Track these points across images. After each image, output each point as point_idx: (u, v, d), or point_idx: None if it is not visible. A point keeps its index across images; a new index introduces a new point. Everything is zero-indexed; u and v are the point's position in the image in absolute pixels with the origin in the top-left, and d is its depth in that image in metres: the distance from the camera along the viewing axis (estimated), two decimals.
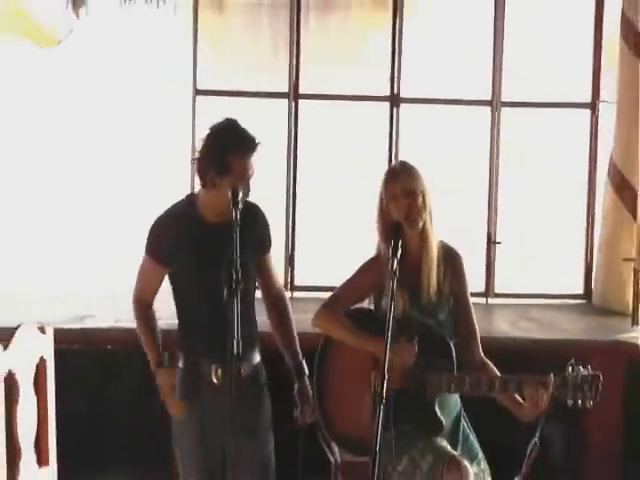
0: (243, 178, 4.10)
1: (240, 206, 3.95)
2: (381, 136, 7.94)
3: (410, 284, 4.26)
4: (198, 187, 4.32)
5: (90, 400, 6.30)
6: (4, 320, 5.61)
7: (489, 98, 8.03)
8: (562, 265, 8.21)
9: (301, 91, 7.89)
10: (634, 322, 7.20)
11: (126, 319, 5.87)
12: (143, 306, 4.40)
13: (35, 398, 4.48)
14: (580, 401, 4.07)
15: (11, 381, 4.33)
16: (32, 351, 4.48)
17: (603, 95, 8.12)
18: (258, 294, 4.49)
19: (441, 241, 4.42)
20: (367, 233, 4.53)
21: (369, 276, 4.40)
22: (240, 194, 3.99)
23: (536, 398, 4.06)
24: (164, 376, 4.27)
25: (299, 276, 7.82)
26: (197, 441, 4.27)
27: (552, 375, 4.06)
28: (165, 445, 4.40)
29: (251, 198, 4.23)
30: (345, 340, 4.33)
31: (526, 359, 4.16)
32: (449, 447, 4.22)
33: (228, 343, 3.72)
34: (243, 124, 4.22)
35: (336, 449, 4.45)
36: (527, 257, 8.04)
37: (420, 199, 4.28)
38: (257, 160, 4.16)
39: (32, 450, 4.45)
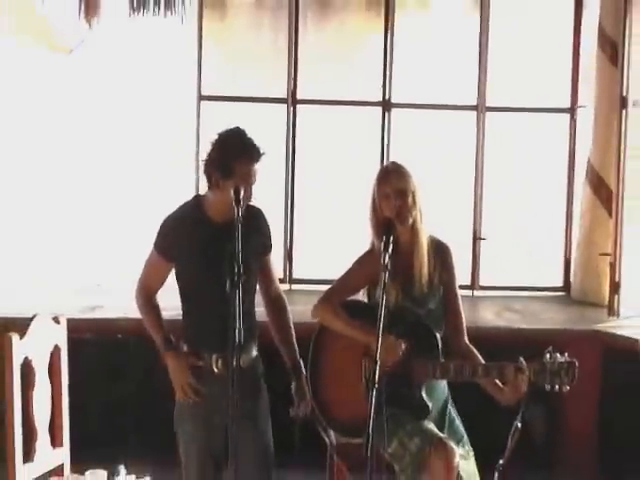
0: (246, 183, 4.09)
1: (242, 204, 3.95)
2: (374, 138, 7.94)
3: (403, 276, 4.26)
4: (203, 187, 4.32)
5: (101, 386, 6.30)
6: (20, 311, 5.61)
7: (475, 103, 8.03)
8: (543, 260, 8.22)
9: (299, 97, 7.88)
10: (610, 313, 7.21)
11: (134, 310, 5.89)
12: (146, 296, 4.39)
13: (49, 384, 4.48)
14: (557, 386, 4.07)
15: (27, 368, 4.34)
16: (47, 340, 4.48)
17: (581, 101, 8.12)
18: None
19: (431, 235, 4.42)
20: (361, 229, 4.52)
21: (363, 269, 4.40)
22: (242, 192, 3.99)
23: (515, 383, 4.07)
24: (172, 358, 4.26)
25: (297, 270, 7.82)
26: (199, 425, 4.26)
27: (522, 359, 4.07)
28: (172, 429, 4.40)
29: (252, 197, 4.22)
30: (341, 331, 4.33)
31: (509, 347, 4.15)
32: (436, 430, 4.22)
33: (230, 333, 3.73)
34: (247, 129, 4.20)
35: (331, 432, 4.44)
36: (510, 252, 8.05)
37: (410, 198, 4.27)
38: (260, 170, 4.15)
39: (47, 432, 4.45)
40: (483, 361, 4.27)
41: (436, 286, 4.35)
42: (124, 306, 6.73)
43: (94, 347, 6.25)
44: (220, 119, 4.21)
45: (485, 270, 8.03)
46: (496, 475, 4.09)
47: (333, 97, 7.93)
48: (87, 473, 4.29)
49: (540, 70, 8.13)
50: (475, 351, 4.37)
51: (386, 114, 7.95)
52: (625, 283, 7.23)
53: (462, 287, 4.58)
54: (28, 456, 4.33)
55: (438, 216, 4.54)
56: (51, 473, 4.51)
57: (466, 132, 8.04)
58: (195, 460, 4.28)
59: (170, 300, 4.44)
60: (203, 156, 4.24)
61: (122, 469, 4.40)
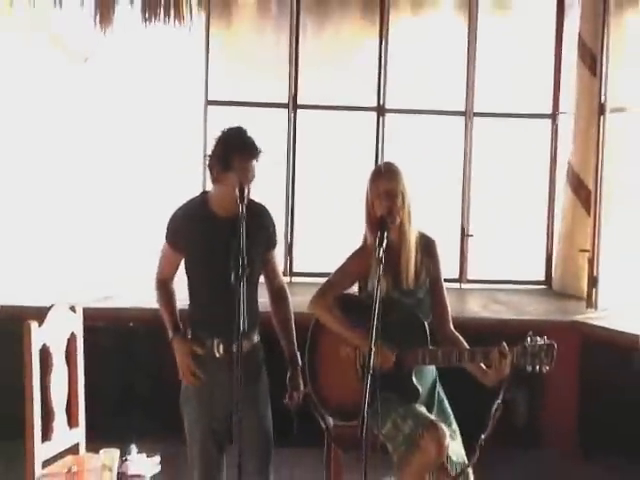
0: (244, 177, 4.07)
1: (246, 202, 3.95)
2: (369, 141, 7.95)
3: (392, 270, 4.26)
4: (210, 186, 4.32)
5: (114, 370, 6.31)
6: (39, 300, 5.61)
7: (463, 109, 8.05)
8: (526, 255, 8.23)
9: (299, 102, 7.89)
10: (588, 305, 7.22)
11: (145, 300, 5.90)
12: (161, 282, 4.39)
13: (66, 369, 4.50)
14: (538, 367, 4.07)
15: (45, 353, 4.35)
16: (64, 328, 4.49)
17: (562, 107, 8.13)
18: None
19: (419, 231, 4.42)
20: (356, 225, 4.52)
21: (357, 263, 4.39)
22: (246, 191, 4.00)
23: (498, 365, 4.07)
24: (177, 344, 4.26)
25: (297, 263, 7.83)
26: (202, 406, 4.26)
27: (505, 344, 4.07)
28: (178, 414, 4.41)
29: (255, 195, 4.22)
30: (338, 331, 4.33)
31: (495, 336, 4.14)
32: (427, 413, 4.23)
33: (232, 321, 3.74)
34: (250, 131, 4.22)
35: (327, 416, 4.44)
36: (495, 248, 8.05)
37: (399, 199, 4.27)
38: (258, 166, 4.14)
39: (64, 414, 4.47)
40: (468, 346, 4.28)
41: (423, 278, 4.35)
42: (135, 297, 6.78)
43: (108, 334, 6.25)
44: (226, 123, 4.20)
45: (472, 265, 8.04)
46: (477, 450, 4.10)
47: (331, 103, 7.92)
48: (101, 451, 4.32)
49: (524, 79, 8.13)
50: (460, 337, 4.37)
51: (380, 118, 7.97)
52: (602, 277, 7.24)
53: (450, 280, 4.61)
54: (46, 435, 4.34)
55: (428, 214, 4.55)
56: (68, 451, 4.52)
57: (455, 136, 8.06)
58: (198, 439, 4.27)
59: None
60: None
61: (133, 448, 4.43)
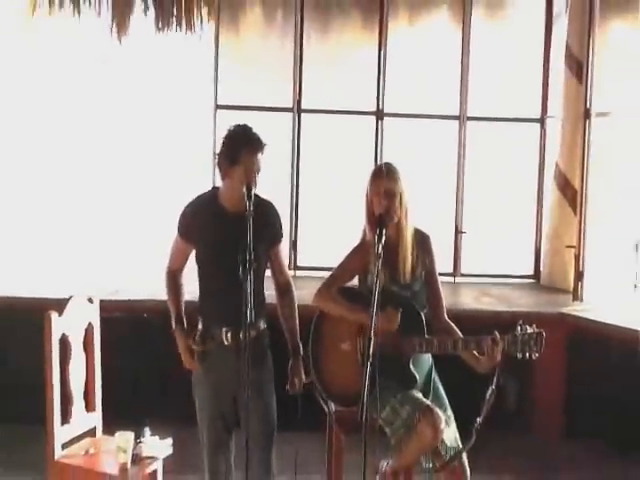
0: (248, 171, 4.10)
1: (253, 199, 3.96)
2: (368, 143, 7.95)
3: (390, 265, 4.25)
4: (219, 183, 4.34)
5: (129, 358, 6.32)
6: (59, 292, 5.62)
7: (457, 113, 8.05)
8: (516, 251, 8.23)
9: (303, 106, 7.88)
10: (575, 298, 7.23)
11: (158, 293, 5.89)
12: (171, 274, 4.40)
13: (84, 356, 4.51)
14: (527, 354, 4.07)
15: (65, 342, 4.37)
16: (82, 318, 4.51)
17: (550, 112, 8.13)
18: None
19: (415, 227, 4.41)
20: (356, 222, 4.52)
21: (356, 259, 4.38)
22: (253, 189, 4.01)
23: (491, 353, 4.07)
24: (180, 339, 4.27)
25: (301, 258, 7.84)
26: (211, 391, 4.28)
27: (497, 332, 4.07)
28: (190, 397, 4.41)
29: (262, 193, 4.23)
30: (341, 314, 4.33)
31: (486, 327, 4.15)
32: (424, 398, 4.23)
33: (241, 311, 3.74)
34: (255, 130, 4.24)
35: (330, 401, 4.45)
36: (487, 244, 8.05)
37: (397, 199, 4.27)
38: (264, 159, 4.15)
39: (82, 399, 4.48)
40: (462, 335, 4.28)
41: (419, 272, 4.35)
42: (148, 289, 6.79)
43: (123, 325, 6.26)
44: None
45: (465, 260, 8.05)
46: (474, 434, 4.10)
47: (333, 107, 7.92)
48: (116, 434, 4.33)
49: (514, 85, 8.13)
50: (454, 326, 4.37)
51: (379, 122, 7.96)
52: (588, 272, 7.25)
53: (445, 275, 4.61)
54: (65, 419, 4.36)
55: (424, 212, 4.53)
56: (85, 434, 4.54)
57: (449, 139, 8.06)
58: (208, 421, 4.29)
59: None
60: None
61: (147, 431, 4.44)
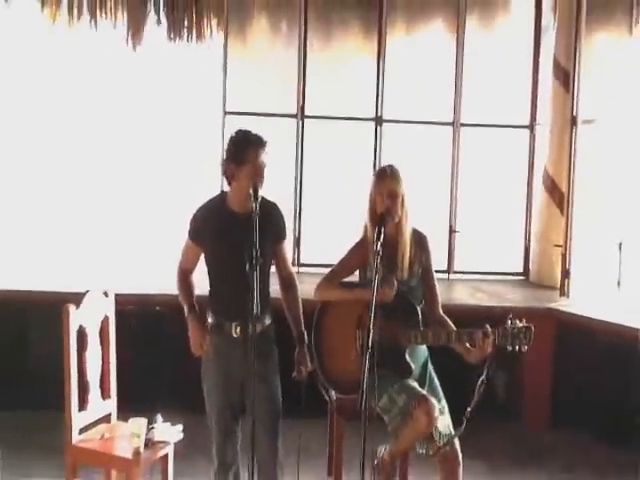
0: (256, 167, 4.12)
1: (259, 200, 3.98)
2: (368, 147, 7.96)
3: (389, 261, 4.26)
4: (227, 187, 4.35)
5: (142, 349, 6.32)
6: (76, 287, 5.63)
7: (451, 120, 8.05)
8: (506, 249, 8.23)
9: (306, 113, 7.88)
10: (561, 294, 7.24)
11: (169, 287, 5.88)
12: (182, 275, 4.40)
13: (100, 347, 4.51)
14: (517, 347, 4.07)
15: (82, 334, 4.37)
16: (98, 311, 4.51)
17: (539, 119, 8.13)
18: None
19: (413, 227, 4.42)
20: (356, 221, 4.53)
21: (357, 254, 4.38)
22: (259, 191, 4.03)
23: (482, 345, 4.08)
24: (192, 320, 4.25)
25: (304, 255, 7.83)
26: (220, 381, 4.28)
27: (488, 326, 4.08)
28: (199, 385, 4.42)
29: (268, 194, 4.24)
30: (343, 298, 4.32)
31: (478, 321, 4.15)
32: (419, 388, 4.24)
33: (249, 305, 3.76)
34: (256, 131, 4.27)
35: (331, 390, 4.45)
36: (479, 243, 8.05)
37: (399, 200, 4.28)
38: (267, 156, 4.17)
39: (98, 387, 4.49)
40: (455, 328, 4.29)
41: (416, 269, 4.35)
42: (160, 283, 6.79)
43: (136, 317, 6.27)
44: None
45: (458, 258, 8.05)
46: (465, 421, 4.11)
47: (334, 113, 7.92)
48: (130, 420, 4.34)
49: (505, 93, 8.13)
50: (448, 320, 4.38)
51: (378, 128, 7.97)
52: (574, 270, 7.26)
53: (439, 272, 4.61)
54: (82, 406, 4.36)
55: (420, 212, 4.53)
56: (101, 420, 4.54)
57: (444, 144, 8.06)
58: (216, 409, 4.30)
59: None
60: None
61: (159, 417, 4.45)
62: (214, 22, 7.96)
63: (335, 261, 4.48)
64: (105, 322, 4.56)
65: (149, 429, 4.34)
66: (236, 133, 4.24)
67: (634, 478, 5.70)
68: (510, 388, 6.57)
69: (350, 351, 4.28)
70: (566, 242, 7.25)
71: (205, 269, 4.38)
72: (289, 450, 4.38)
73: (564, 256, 7.26)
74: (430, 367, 4.43)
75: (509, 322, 4.09)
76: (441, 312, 4.42)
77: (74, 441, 4.31)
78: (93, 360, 4.44)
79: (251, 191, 4.01)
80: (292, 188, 7.81)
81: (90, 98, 8.98)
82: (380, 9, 7.90)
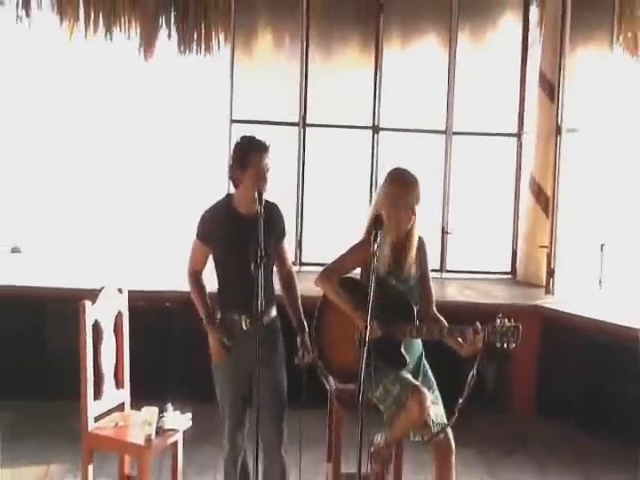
0: (259, 171, 4.12)
1: (263, 204, 3.99)
2: (366, 154, 7.97)
3: (394, 262, 4.25)
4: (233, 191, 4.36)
5: (154, 342, 6.33)
6: (92, 283, 5.63)
7: (444, 128, 8.05)
8: (495, 250, 8.23)
9: (308, 121, 7.88)
10: (546, 292, 7.24)
11: (179, 284, 5.87)
12: (194, 275, 4.37)
13: (114, 340, 4.52)
14: (505, 344, 4.06)
15: (97, 328, 4.37)
16: (112, 306, 4.52)
17: (526, 128, 8.14)
18: None
19: None
20: (355, 222, 4.53)
21: (357, 255, 4.33)
22: (263, 194, 4.03)
23: (473, 340, 4.07)
24: (212, 333, 4.25)
25: (305, 254, 7.84)
26: (231, 372, 4.29)
27: (478, 323, 4.08)
28: (207, 376, 4.42)
29: (271, 197, 4.24)
30: (338, 303, 4.32)
31: (469, 317, 4.15)
32: (413, 379, 4.24)
33: (254, 301, 3.77)
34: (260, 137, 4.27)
35: (331, 379, 4.45)
36: (470, 244, 8.05)
37: (414, 209, 4.28)
38: (271, 160, 4.17)
39: (112, 377, 4.49)
40: (447, 325, 4.28)
41: (415, 270, 4.35)
42: (170, 281, 6.81)
43: (148, 312, 6.27)
44: None
45: (451, 258, 8.05)
46: (457, 412, 4.11)
47: (334, 122, 7.92)
48: (143, 409, 4.34)
49: (494, 103, 8.14)
50: (442, 318, 4.37)
51: (375, 135, 7.97)
52: (558, 269, 7.26)
53: (433, 271, 4.57)
54: (97, 395, 4.36)
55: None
56: (115, 409, 4.55)
57: (437, 150, 8.06)
58: (228, 399, 4.31)
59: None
60: None
61: (169, 406, 4.45)
62: (221, 36, 7.98)
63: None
64: (119, 317, 4.56)
65: (160, 417, 4.34)
66: (241, 139, 4.25)
67: (614, 462, 5.75)
68: (498, 380, 6.58)
69: (349, 343, 4.27)
70: (551, 243, 7.25)
71: (211, 267, 4.39)
72: (291, 438, 4.37)
73: (549, 256, 7.26)
74: (424, 360, 4.42)
75: (498, 321, 4.08)
76: (435, 311, 4.41)
77: (90, 428, 4.31)
78: (108, 352, 4.44)
79: (256, 195, 4.01)
80: (294, 191, 7.81)
81: (105, 106, 8.99)
82: (377, 24, 7.91)
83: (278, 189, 4.38)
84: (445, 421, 4.21)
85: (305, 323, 4.40)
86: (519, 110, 8.17)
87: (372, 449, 4.32)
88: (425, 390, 4.14)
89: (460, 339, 4.13)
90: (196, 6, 7.84)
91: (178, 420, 4.42)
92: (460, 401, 4.07)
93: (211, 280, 4.38)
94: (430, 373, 4.40)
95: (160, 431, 4.31)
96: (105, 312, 4.43)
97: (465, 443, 4.52)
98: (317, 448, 4.68)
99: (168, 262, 7.70)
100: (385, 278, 4.20)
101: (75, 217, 8.95)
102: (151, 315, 6.34)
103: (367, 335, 3.57)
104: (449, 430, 4.19)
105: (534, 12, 8.19)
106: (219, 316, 4.30)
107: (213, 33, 7.96)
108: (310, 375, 4.37)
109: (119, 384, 4.54)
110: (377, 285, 3.71)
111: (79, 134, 9.04)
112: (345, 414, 4.36)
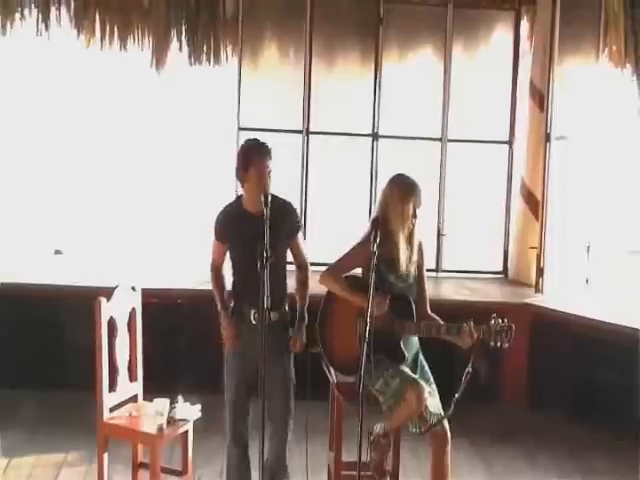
0: (260, 170, 4.16)
1: (269, 204, 3.98)
2: (366, 160, 7.96)
3: (394, 261, 4.25)
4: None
5: (165, 337, 6.33)
6: (107, 282, 5.63)
7: (439, 136, 8.05)
8: (487, 251, 8.22)
9: (311, 129, 7.87)
10: (536, 290, 7.23)
11: (190, 282, 5.89)
12: (214, 270, 4.46)
13: (128, 335, 4.51)
14: (499, 343, 4.06)
15: (112, 323, 4.36)
16: (126, 303, 4.50)
17: (517, 135, 8.13)
18: None
19: None
20: (356, 225, 4.53)
21: (358, 255, 4.31)
22: (269, 198, 4.02)
23: (470, 333, 4.06)
24: (227, 325, 4.29)
25: (308, 256, 7.79)
26: (236, 361, 4.33)
27: (472, 322, 4.07)
28: (215, 369, 4.42)
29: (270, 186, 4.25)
30: (341, 294, 4.31)
31: (463, 314, 4.15)
32: (411, 372, 4.23)
33: (260, 294, 3.77)
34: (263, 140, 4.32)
35: (333, 372, 4.44)
36: (464, 245, 8.04)
37: (417, 212, 4.28)
38: (273, 162, 4.22)
39: (126, 370, 4.48)
40: (441, 322, 4.27)
41: (413, 269, 4.34)
42: (181, 279, 6.81)
43: (160, 309, 6.27)
44: None
45: (446, 258, 8.04)
46: (453, 405, 4.11)
47: (336, 129, 7.92)
48: (155, 400, 4.35)
49: (487, 112, 8.13)
50: (436, 316, 4.34)
51: (375, 142, 7.96)
52: (547, 269, 7.25)
53: (428, 270, 4.56)
54: (112, 388, 4.35)
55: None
56: (129, 400, 4.54)
57: (433, 157, 8.05)
58: (232, 385, 4.35)
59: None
60: None
61: (180, 398, 4.44)
62: (229, 48, 7.97)
63: (336, 259, 4.45)
64: (133, 313, 4.55)
65: (171, 408, 4.34)
66: (244, 142, 4.34)
67: (600, 450, 5.76)
68: (491, 374, 6.55)
69: (351, 336, 4.27)
70: (540, 244, 7.24)
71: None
72: (296, 429, 4.39)
73: (538, 257, 7.25)
74: (421, 356, 4.41)
75: (492, 320, 4.07)
76: (429, 310, 4.40)
77: (105, 418, 4.30)
78: (122, 347, 4.43)
79: (262, 198, 4.00)
80: (298, 195, 7.78)
81: (119, 113, 8.99)
82: (377, 38, 7.90)
83: (283, 192, 4.39)
84: (441, 413, 4.20)
85: (306, 315, 4.40)
86: (510, 118, 8.16)
87: (372, 438, 4.31)
88: (423, 383, 4.13)
89: (457, 335, 4.13)
90: (206, 20, 7.84)
91: (188, 411, 4.41)
92: (456, 395, 4.06)
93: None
94: (427, 368, 4.39)
95: (171, 421, 4.31)
96: (119, 309, 4.42)
97: (460, 433, 4.52)
98: (320, 437, 4.67)
99: (179, 262, 7.72)
100: (385, 277, 4.19)
101: (93, 220, 8.94)
102: (163, 312, 6.32)
103: (370, 312, 3.60)
104: (445, 422, 4.18)
105: (524, 26, 8.20)
106: (232, 306, 4.33)
107: (222, 46, 7.95)
108: (313, 369, 4.38)
109: (132, 377, 4.53)
110: (378, 283, 3.70)
111: (95, 139, 9.05)
112: (346, 405, 4.35)
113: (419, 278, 4.38)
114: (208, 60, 7.96)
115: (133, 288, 4.58)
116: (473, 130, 8.10)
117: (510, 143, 8.17)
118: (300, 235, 4.47)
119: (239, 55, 7.79)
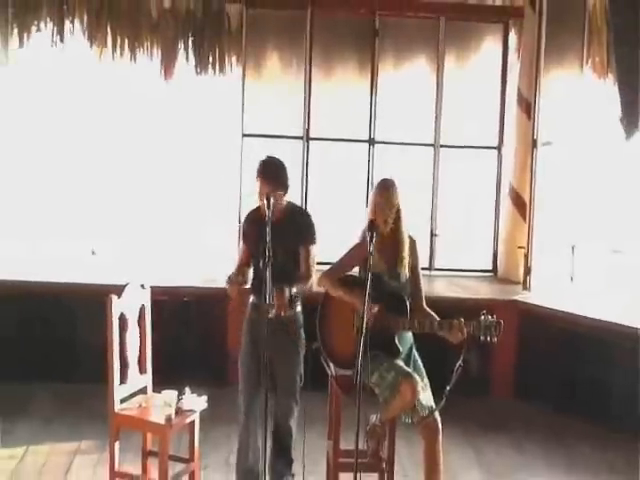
0: (259, 191, 4.31)
1: (272, 208, 4.03)
2: (362, 164, 7.96)
3: (388, 260, 4.26)
4: (244, 199, 4.45)
5: (173, 333, 6.33)
6: (118, 280, 5.63)
7: (432, 142, 8.05)
8: (478, 250, 8.22)
9: (311, 135, 7.86)
10: (524, 288, 7.24)
11: (195, 281, 5.87)
12: (240, 266, 4.54)
13: (138, 330, 4.50)
14: (488, 338, 4.06)
15: (123, 319, 4.36)
16: (136, 300, 4.50)
17: (505, 141, 8.13)
18: None
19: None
20: (353, 227, 4.53)
21: (359, 252, 4.31)
22: (272, 200, 4.06)
23: (460, 329, 4.06)
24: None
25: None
26: (249, 348, 4.46)
27: (462, 318, 4.08)
28: (220, 362, 4.42)
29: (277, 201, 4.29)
30: (338, 295, 4.32)
31: (455, 310, 4.16)
32: (405, 366, 4.23)
33: (265, 292, 3.88)
34: (272, 157, 4.45)
35: (332, 365, 4.45)
36: (456, 245, 8.05)
37: (394, 209, 4.28)
38: (268, 183, 4.28)
39: (136, 363, 4.47)
40: (437, 318, 4.28)
41: (408, 268, 4.35)
42: (188, 278, 6.81)
43: (169, 306, 6.27)
44: (257, 151, 4.31)
45: (438, 257, 8.04)
46: (443, 398, 4.11)
47: (335, 136, 7.92)
48: (163, 392, 4.35)
49: (477, 119, 8.13)
50: (431, 312, 4.36)
51: (371, 148, 7.96)
52: (534, 267, 7.26)
53: (422, 268, 4.57)
54: (123, 380, 4.34)
55: (407, 219, 4.52)
56: (138, 392, 4.54)
57: (426, 161, 8.05)
58: (244, 371, 4.49)
59: None
60: (246, 178, 4.42)
61: (187, 390, 4.44)
62: (234, 59, 7.97)
63: (336, 259, 4.46)
64: (142, 310, 4.54)
65: (179, 399, 4.33)
66: (262, 158, 4.47)
67: (585, 439, 5.78)
68: (481, 367, 6.56)
69: (349, 332, 4.27)
70: (528, 244, 7.24)
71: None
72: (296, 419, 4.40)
73: (526, 256, 7.26)
74: (415, 352, 4.42)
75: (482, 317, 4.08)
76: (425, 306, 4.40)
77: (116, 409, 4.30)
78: (132, 342, 4.43)
79: (265, 200, 4.08)
80: (299, 198, 7.77)
81: (129, 121, 8.99)
82: (373, 48, 7.91)
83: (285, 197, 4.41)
84: (433, 405, 4.20)
85: (298, 300, 4.45)
86: (499, 125, 8.16)
87: (368, 428, 4.31)
88: (417, 376, 4.14)
89: (448, 331, 4.14)
90: (211, 32, 7.86)
91: (195, 402, 4.40)
92: (447, 388, 4.06)
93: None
94: (420, 362, 4.40)
95: (179, 412, 4.30)
96: (130, 305, 4.42)
97: (452, 424, 4.52)
98: (319, 427, 4.67)
99: (186, 262, 7.72)
100: (380, 276, 4.20)
101: (106, 222, 8.94)
102: (171, 308, 6.34)
103: (364, 314, 3.63)
104: (437, 413, 4.18)
105: (513, 38, 8.20)
106: (251, 300, 4.49)
107: (226, 56, 7.95)
108: (313, 363, 4.38)
109: (142, 370, 4.53)
110: (374, 282, 3.71)
111: (106, 145, 9.04)
112: (344, 397, 4.35)
113: (414, 276, 4.39)
114: (213, 70, 7.96)
115: (142, 286, 4.58)
116: (464, 136, 8.10)
117: (499, 149, 8.18)
118: (311, 248, 4.46)
119: (243, 65, 7.79)
